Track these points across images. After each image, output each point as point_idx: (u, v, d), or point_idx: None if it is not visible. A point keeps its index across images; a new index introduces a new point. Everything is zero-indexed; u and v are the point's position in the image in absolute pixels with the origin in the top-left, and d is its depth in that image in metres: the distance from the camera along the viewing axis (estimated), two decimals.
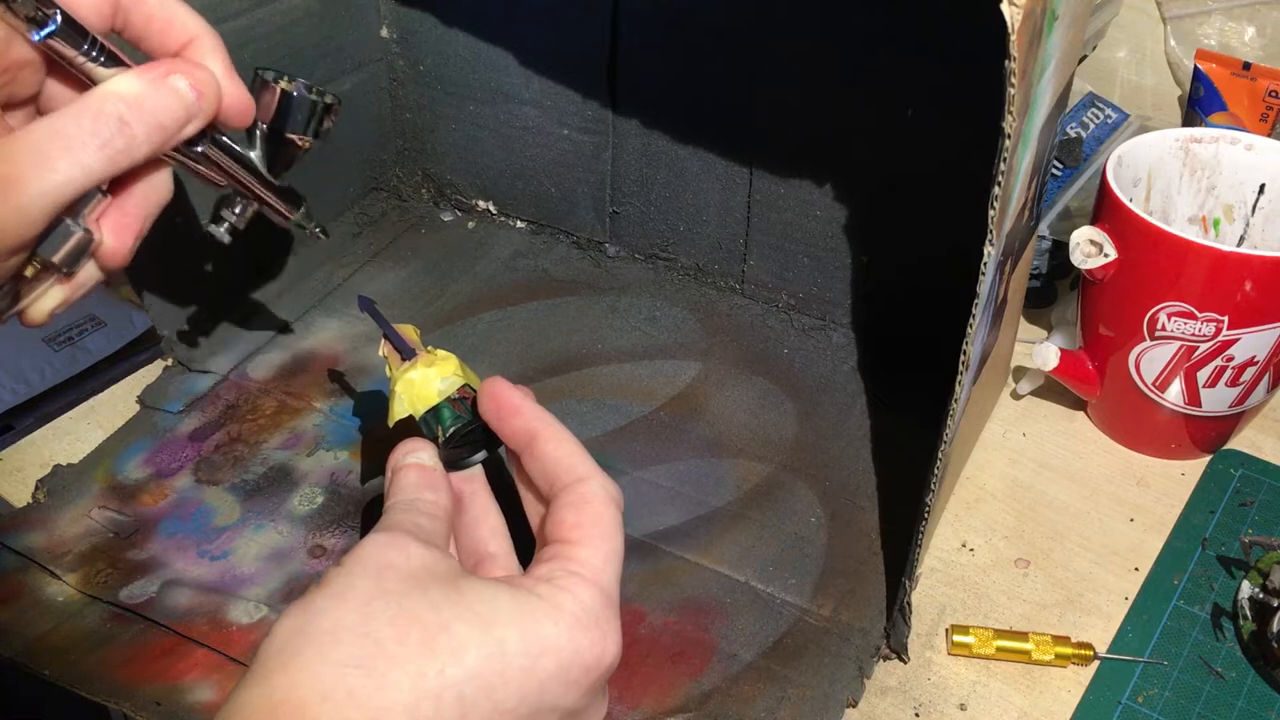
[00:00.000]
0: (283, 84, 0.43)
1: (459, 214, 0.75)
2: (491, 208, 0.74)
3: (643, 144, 0.65)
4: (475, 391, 0.41)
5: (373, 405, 0.59)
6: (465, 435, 0.41)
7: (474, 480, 0.42)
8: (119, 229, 0.37)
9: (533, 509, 0.39)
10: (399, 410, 0.41)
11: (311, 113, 0.43)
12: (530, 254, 0.71)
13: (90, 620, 0.47)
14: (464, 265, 0.70)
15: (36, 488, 0.54)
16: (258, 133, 0.43)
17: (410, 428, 0.41)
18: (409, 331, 0.43)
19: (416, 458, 0.40)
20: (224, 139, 0.41)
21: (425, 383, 0.41)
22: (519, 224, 0.73)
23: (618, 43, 0.63)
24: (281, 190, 0.45)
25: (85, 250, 0.36)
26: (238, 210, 0.45)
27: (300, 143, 0.44)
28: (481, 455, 0.42)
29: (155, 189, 0.38)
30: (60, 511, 0.53)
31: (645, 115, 0.64)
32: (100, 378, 0.61)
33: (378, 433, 0.57)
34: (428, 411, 0.41)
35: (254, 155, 0.43)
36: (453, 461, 0.41)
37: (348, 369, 0.61)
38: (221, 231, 0.45)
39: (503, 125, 0.69)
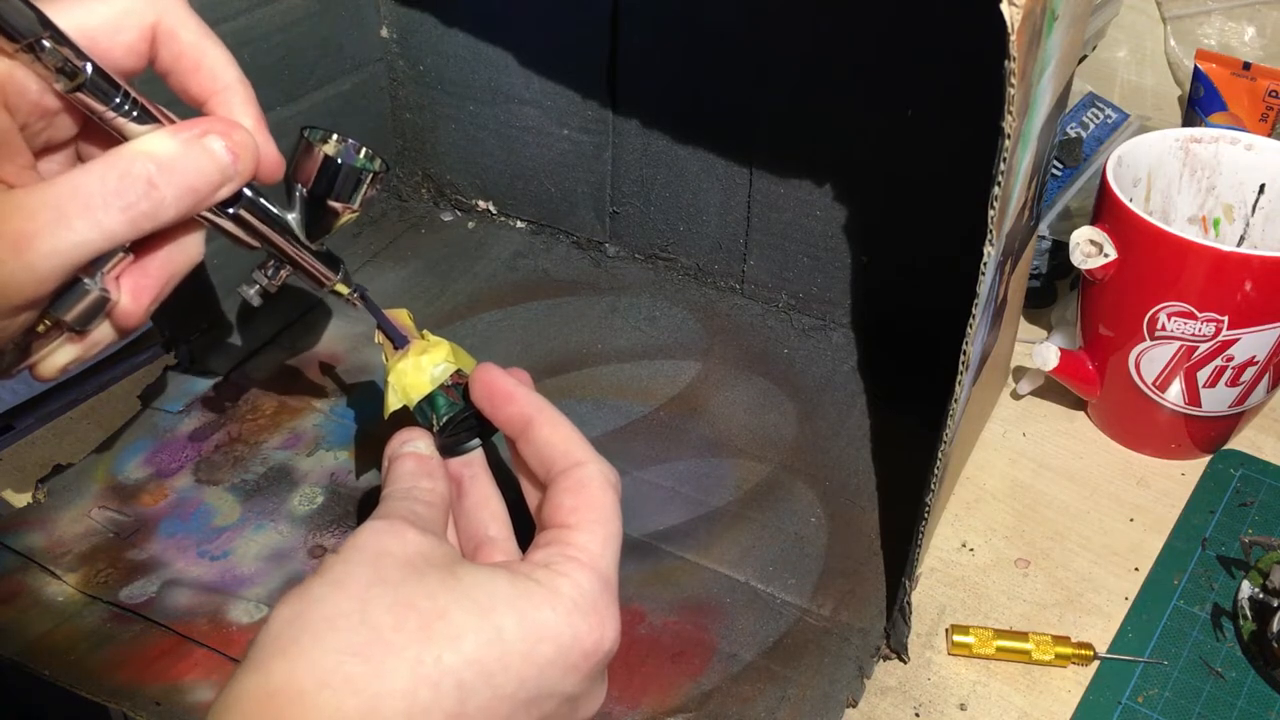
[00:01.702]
0: (327, 147, 0.40)
1: (459, 214, 0.75)
2: (491, 208, 0.74)
3: (643, 144, 0.65)
4: (468, 376, 0.41)
5: (370, 402, 0.59)
6: (461, 422, 0.41)
7: (474, 465, 0.42)
8: (137, 290, 0.36)
9: (531, 494, 0.39)
10: (393, 402, 0.41)
11: (356, 181, 0.40)
12: (530, 254, 0.71)
13: (90, 620, 0.47)
14: (464, 265, 0.70)
15: (36, 488, 0.54)
16: (297, 195, 0.40)
17: (406, 418, 0.41)
18: (402, 316, 0.43)
19: (413, 446, 0.40)
20: (260, 201, 0.38)
21: (418, 371, 0.41)
22: (519, 224, 0.73)
23: (618, 43, 0.63)
24: (320, 255, 0.41)
25: (100, 310, 0.35)
26: (270, 273, 0.41)
27: (342, 210, 0.40)
28: (478, 441, 0.42)
29: (183, 251, 0.36)
30: (60, 511, 0.52)
31: (645, 115, 0.64)
32: (100, 378, 0.61)
33: (374, 430, 0.57)
34: (422, 400, 0.41)
35: (291, 218, 0.40)
36: (449, 448, 0.41)
37: (347, 369, 0.61)
38: (252, 294, 0.42)
39: (503, 125, 0.69)
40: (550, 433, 0.37)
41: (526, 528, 0.39)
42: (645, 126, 0.65)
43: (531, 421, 0.38)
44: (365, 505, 0.53)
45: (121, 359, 0.62)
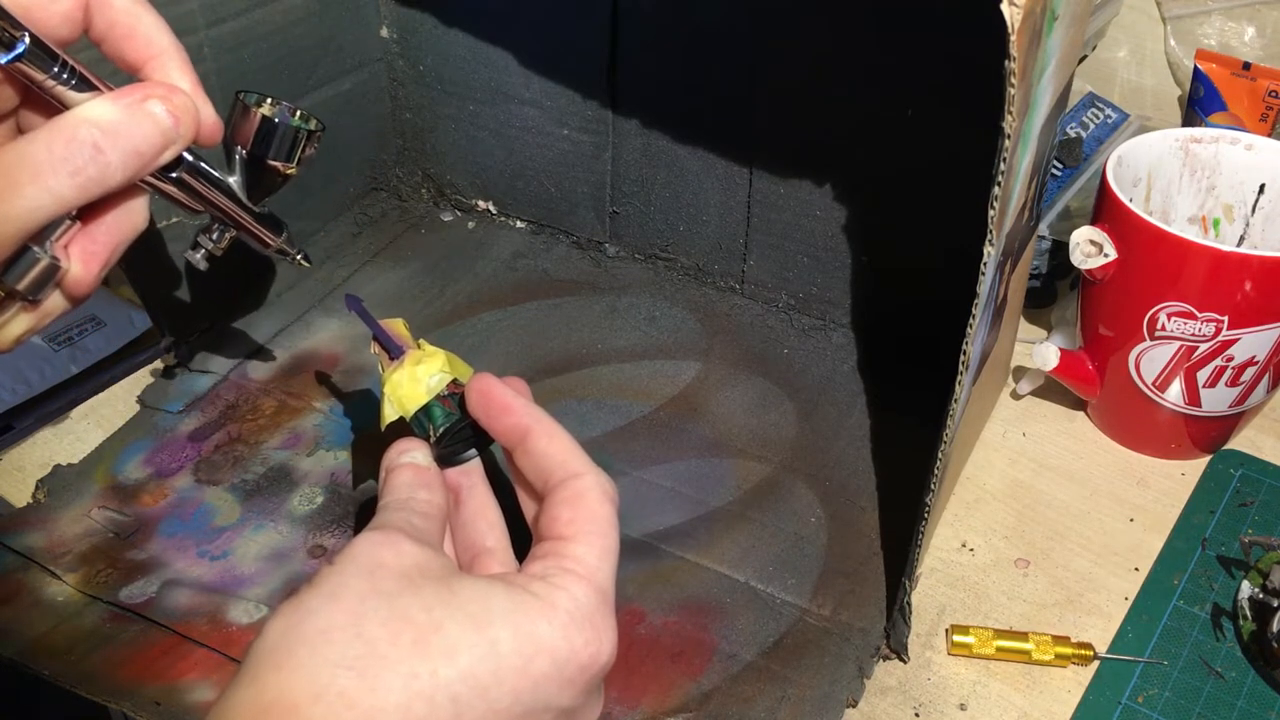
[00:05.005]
0: (264, 109, 0.41)
1: (459, 214, 0.75)
2: (491, 208, 0.74)
3: (643, 144, 0.65)
4: (465, 385, 0.40)
5: (370, 402, 0.59)
6: (458, 432, 0.41)
7: (472, 475, 0.41)
8: (87, 257, 0.36)
9: (527, 505, 0.39)
10: (389, 413, 0.41)
11: (294, 140, 0.41)
12: (530, 254, 0.71)
13: (90, 620, 0.47)
14: (464, 265, 0.70)
15: (36, 488, 0.54)
16: (237, 158, 0.41)
17: (403, 428, 0.41)
18: (397, 326, 0.43)
19: (410, 457, 0.40)
20: (201, 164, 0.39)
21: (413, 382, 0.41)
22: (519, 224, 0.73)
23: (618, 43, 0.63)
24: (262, 217, 0.43)
25: (51, 278, 0.35)
26: (215, 237, 0.43)
27: (282, 169, 0.42)
28: (475, 451, 0.42)
29: (129, 217, 0.37)
30: (60, 511, 0.52)
31: (645, 115, 0.64)
32: (100, 378, 0.61)
33: (374, 431, 0.56)
34: (418, 410, 0.41)
35: (233, 181, 0.41)
36: (446, 458, 0.41)
37: (347, 369, 0.61)
38: (199, 258, 0.43)
39: (503, 125, 0.69)
40: (547, 444, 0.37)
41: (524, 538, 0.39)
42: (645, 126, 0.65)
43: (528, 433, 0.38)
44: (365, 506, 0.53)
45: (121, 359, 0.62)
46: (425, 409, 0.41)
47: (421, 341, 0.42)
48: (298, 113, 0.42)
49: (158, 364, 0.62)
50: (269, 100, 0.41)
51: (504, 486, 0.41)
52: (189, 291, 0.61)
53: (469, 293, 0.67)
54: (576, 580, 0.33)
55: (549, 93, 0.67)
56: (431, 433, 0.40)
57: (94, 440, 0.57)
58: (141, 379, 0.61)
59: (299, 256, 0.45)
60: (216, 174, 0.40)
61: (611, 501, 0.36)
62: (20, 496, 0.54)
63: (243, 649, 0.46)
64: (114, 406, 0.60)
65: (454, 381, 0.41)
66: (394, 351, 0.42)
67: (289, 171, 0.42)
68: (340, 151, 0.69)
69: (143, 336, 0.63)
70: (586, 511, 0.35)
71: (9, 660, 0.45)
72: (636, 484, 0.54)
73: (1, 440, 0.57)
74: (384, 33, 0.69)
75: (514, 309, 0.66)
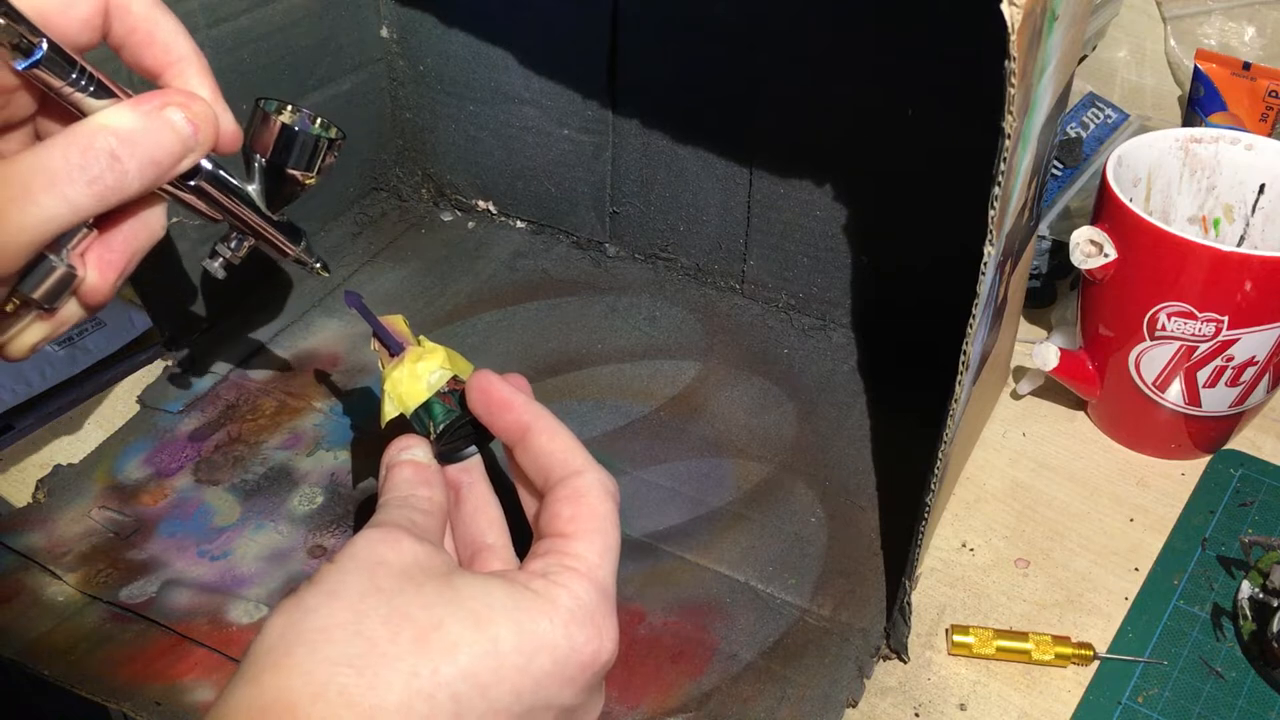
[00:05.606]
0: (284, 117, 0.41)
1: (459, 214, 0.75)
2: (491, 208, 0.74)
3: (643, 144, 0.65)
4: (465, 382, 0.40)
5: (367, 407, 0.59)
6: (458, 429, 0.40)
7: (472, 471, 0.41)
8: (103, 266, 0.36)
9: (528, 501, 0.39)
10: (389, 410, 0.41)
11: (314, 149, 0.41)
12: (530, 254, 0.71)
13: (90, 620, 0.47)
14: (464, 265, 0.70)
15: (36, 488, 0.54)
16: (256, 166, 0.41)
17: (403, 425, 0.41)
18: (397, 323, 0.43)
19: (411, 454, 0.40)
20: (220, 173, 0.39)
21: (413, 379, 0.41)
22: (519, 224, 0.73)
23: (618, 43, 0.63)
24: (281, 225, 0.42)
25: (68, 287, 0.35)
26: (233, 245, 0.43)
27: (301, 178, 0.41)
28: (475, 448, 0.42)
29: (146, 226, 0.37)
30: (60, 511, 0.52)
31: (645, 115, 0.64)
32: (100, 378, 0.61)
33: (374, 430, 0.57)
34: (419, 407, 0.41)
35: (252, 189, 0.41)
36: (447, 455, 0.41)
37: (347, 369, 0.61)
38: (216, 266, 0.43)
39: (503, 125, 0.69)
40: (548, 441, 0.37)
41: (524, 535, 0.39)
42: (645, 126, 0.65)
43: (529, 429, 0.37)
44: (365, 505, 0.53)
45: (121, 359, 0.62)
46: (425, 405, 0.40)
47: (421, 338, 0.42)
48: (318, 120, 0.41)
49: (158, 364, 0.62)
50: (289, 107, 0.41)
51: (504, 484, 0.41)
52: (189, 292, 0.61)
53: (469, 293, 0.67)
54: (578, 578, 0.33)
55: (549, 93, 0.67)
56: (431, 429, 0.40)
57: (94, 440, 0.57)
58: (141, 379, 0.61)
59: (317, 265, 0.45)
60: (235, 182, 0.40)
61: (612, 499, 0.36)
62: (20, 496, 0.54)
63: (243, 649, 0.46)
64: (114, 406, 0.60)
65: (454, 378, 0.41)
66: (394, 348, 0.42)
67: (309, 181, 0.42)
68: (340, 151, 0.69)
69: (143, 336, 0.63)
70: (588, 509, 0.35)
71: (9, 660, 0.45)
72: (636, 484, 0.54)
73: (1, 440, 0.57)
74: (384, 33, 0.69)
75: (514, 309, 0.66)
